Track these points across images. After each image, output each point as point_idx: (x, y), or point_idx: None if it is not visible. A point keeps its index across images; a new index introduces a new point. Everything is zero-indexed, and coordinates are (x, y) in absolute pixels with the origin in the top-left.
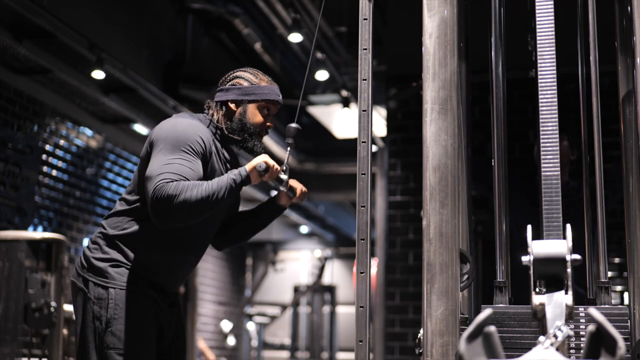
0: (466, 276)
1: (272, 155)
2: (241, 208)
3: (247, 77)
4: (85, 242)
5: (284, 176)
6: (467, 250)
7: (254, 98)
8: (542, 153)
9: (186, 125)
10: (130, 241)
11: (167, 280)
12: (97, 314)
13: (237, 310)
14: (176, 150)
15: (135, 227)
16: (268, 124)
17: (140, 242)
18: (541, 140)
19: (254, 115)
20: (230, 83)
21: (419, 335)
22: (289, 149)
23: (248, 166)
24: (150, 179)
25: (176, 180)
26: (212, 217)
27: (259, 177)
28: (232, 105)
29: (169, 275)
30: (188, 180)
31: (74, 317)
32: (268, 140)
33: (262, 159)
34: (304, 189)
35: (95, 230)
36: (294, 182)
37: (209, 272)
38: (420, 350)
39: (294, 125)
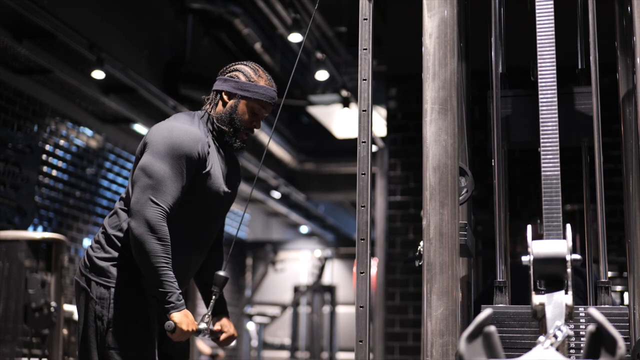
0: (465, 189)
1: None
2: (240, 207)
3: (246, 72)
4: (85, 242)
5: (202, 326)
6: (465, 165)
7: (247, 95)
8: (542, 153)
9: (182, 133)
10: (130, 240)
11: None
12: (98, 314)
13: (237, 310)
14: (170, 158)
15: None
16: (254, 123)
17: None
18: (541, 140)
19: (243, 111)
20: (229, 74)
21: (419, 247)
22: (213, 298)
23: (173, 311)
24: (148, 182)
25: (167, 215)
26: (213, 215)
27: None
28: (226, 97)
29: None
30: (172, 207)
31: (74, 316)
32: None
33: (178, 319)
34: (232, 333)
35: (99, 230)
36: (224, 324)
37: None
38: (421, 263)
39: (222, 273)
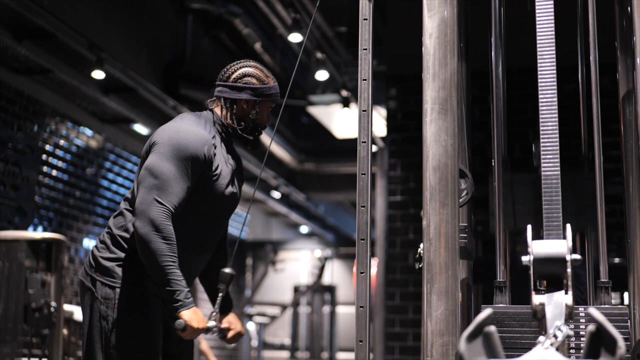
0: (465, 191)
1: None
2: (241, 208)
3: (257, 76)
4: (85, 242)
5: (211, 324)
6: (465, 166)
7: (265, 99)
8: (542, 153)
9: (189, 134)
10: (135, 241)
11: None
12: (103, 314)
13: (237, 310)
14: (175, 159)
15: None
16: (268, 118)
17: None
18: (541, 140)
19: (262, 114)
20: (241, 81)
21: (419, 249)
22: (220, 295)
23: (182, 309)
24: (153, 182)
25: (172, 215)
26: (219, 215)
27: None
28: (244, 105)
29: None
30: (177, 207)
31: (74, 316)
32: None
33: (187, 317)
34: (239, 330)
35: (104, 230)
36: (232, 321)
37: None
38: (420, 265)
39: (227, 270)
